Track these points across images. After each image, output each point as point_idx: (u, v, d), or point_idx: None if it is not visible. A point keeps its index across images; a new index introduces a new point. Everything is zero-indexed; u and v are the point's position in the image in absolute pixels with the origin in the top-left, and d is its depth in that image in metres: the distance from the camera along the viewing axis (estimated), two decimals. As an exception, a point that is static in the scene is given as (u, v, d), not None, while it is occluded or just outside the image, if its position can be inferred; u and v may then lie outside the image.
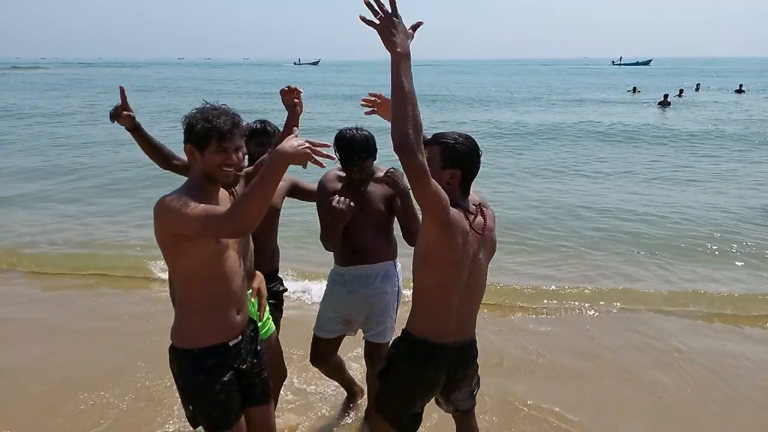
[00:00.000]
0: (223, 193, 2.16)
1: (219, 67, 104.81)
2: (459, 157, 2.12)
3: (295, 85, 2.60)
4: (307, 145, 1.84)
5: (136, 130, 2.63)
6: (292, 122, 2.57)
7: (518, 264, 6.29)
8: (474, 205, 2.22)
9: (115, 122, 2.62)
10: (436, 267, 2.14)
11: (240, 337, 2.17)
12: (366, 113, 2.83)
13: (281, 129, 2.94)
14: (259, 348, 2.30)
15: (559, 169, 11.91)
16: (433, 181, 1.95)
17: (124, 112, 2.58)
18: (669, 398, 3.71)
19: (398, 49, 1.83)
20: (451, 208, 2.05)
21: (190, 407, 2.14)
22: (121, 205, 8.72)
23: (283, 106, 2.61)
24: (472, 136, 2.22)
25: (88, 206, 8.82)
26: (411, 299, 2.29)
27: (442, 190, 2.00)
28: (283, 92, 2.60)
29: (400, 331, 2.36)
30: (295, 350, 3.92)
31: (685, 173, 11.39)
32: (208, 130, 1.94)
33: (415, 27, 1.91)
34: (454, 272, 2.15)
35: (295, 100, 2.56)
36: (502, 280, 5.71)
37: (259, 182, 1.81)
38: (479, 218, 2.20)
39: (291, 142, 1.84)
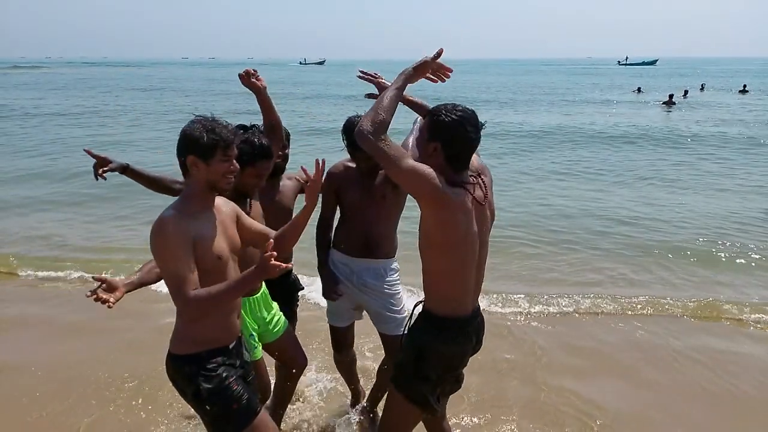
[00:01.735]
0: (220, 200, 2.18)
1: (223, 67, 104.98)
2: (441, 129, 2.08)
3: (248, 68, 2.73)
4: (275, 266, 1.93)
5: (126, 171, 2.66)
6: (266, 103, 2.73)
7: (520, 258, 6.32)
8: (472, 175, 2.17)
9: (100, 179, 2.64)
10: (444, 248, 2.11)
11: (235, 342, 2.22)
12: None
13: (286, 128, 2.98)
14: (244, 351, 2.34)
15: (562, 170, 11.90)
16: (407, 160, 2.02)
17: (101, 170, 2.61)
18: (669, 395, 3.74)
19: (404, 68, 2.22)
20: (447, 187, 2.03)
21: (207, 407, 2.11)
22: (127, 206, 8.73)
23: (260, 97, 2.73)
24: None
25: (93, 206, 8.82)
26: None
27: (420, 165, 2.03)
28: (243, 78, 2.70)
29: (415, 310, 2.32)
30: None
31: (689, 174, 11.37)
32: (215, 141, 2.02)
33: (435, 55, 2.24)
34: (463, 250, 2.12)
35: (245, 76, 2.68)
36: (505, 279, 5.74)
37: (231, 292, 1.99)
38: (478, 191, 2.16)
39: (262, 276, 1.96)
